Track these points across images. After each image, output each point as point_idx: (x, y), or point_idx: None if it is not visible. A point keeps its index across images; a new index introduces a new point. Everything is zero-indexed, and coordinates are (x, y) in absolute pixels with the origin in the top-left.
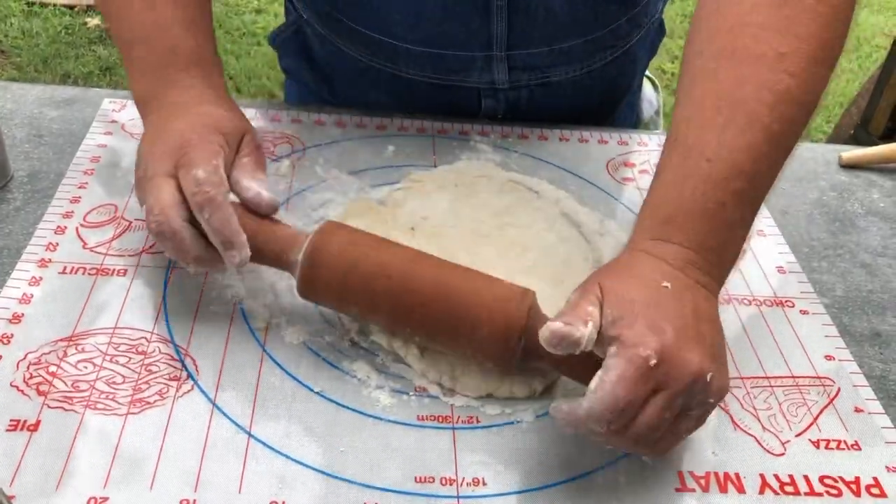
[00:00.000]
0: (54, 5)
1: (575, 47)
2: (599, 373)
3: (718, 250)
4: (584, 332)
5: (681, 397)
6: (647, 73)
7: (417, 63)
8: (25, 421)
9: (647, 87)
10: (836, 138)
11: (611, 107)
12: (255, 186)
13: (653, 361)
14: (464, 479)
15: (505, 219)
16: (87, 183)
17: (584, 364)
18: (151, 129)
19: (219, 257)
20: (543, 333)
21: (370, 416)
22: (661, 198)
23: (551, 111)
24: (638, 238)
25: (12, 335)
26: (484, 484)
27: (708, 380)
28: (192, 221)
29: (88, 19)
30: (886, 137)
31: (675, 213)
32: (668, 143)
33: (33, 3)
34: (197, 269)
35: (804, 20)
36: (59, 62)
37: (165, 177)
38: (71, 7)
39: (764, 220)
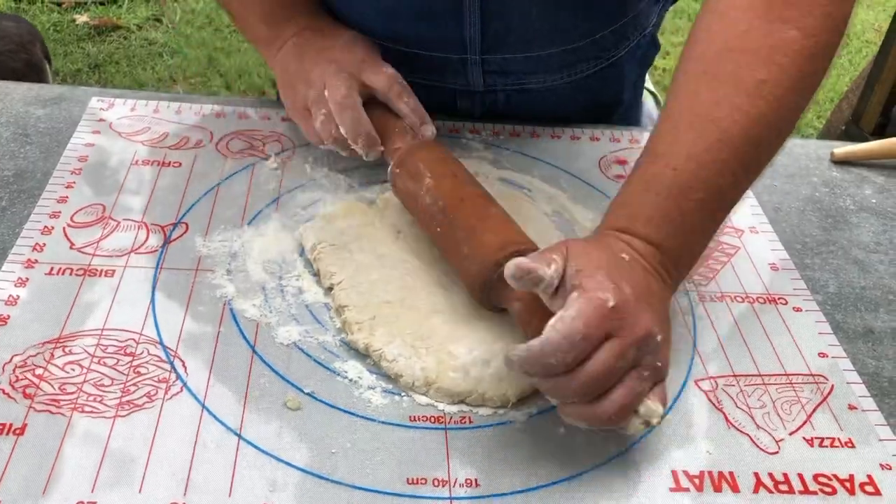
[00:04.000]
0: (42, 1)
1: (553, 56)
2: (560, 311)
3: (677, 252)
4: (548, 271)
5: (633, 348)
6: (649, 87)
7: (392, 61)
8: (11, 425)
9: (648, 101)
10: (826, 134)
11: (598, 119)
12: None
13: (611, 303)
14: (456, 479)
15: None
16: (74, 182)
17: (542, 318)
18: (296, 47)
19: (378, 139)
20: (508, 267)
21: (362, 416)
22: (628, 198)
23: (530, 117)
24: (604, 228)
25: None
26: (477, 485)
27: (658, 340)
28: None
29: (77, 16)
30: (878, 133)
31: (639, 212)
32: (644, 151)
33: (21, 0)
34: (363, 146)
35: (788, 51)
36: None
37: (348, 74)
38: (59, 3)
39: (756, 217)
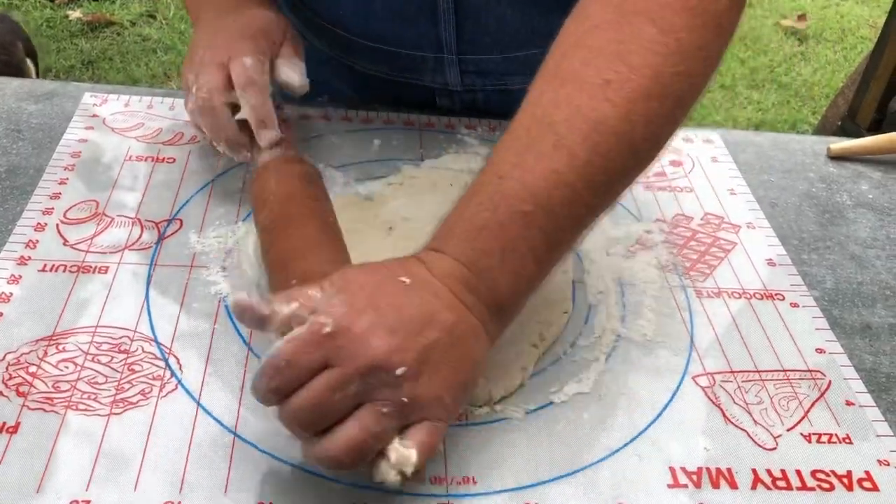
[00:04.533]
0: None
1: (532, 57)
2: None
3: (492, 273)
4: (279, 309)
5: (356, 382)
6: None
7: (370, 58)
8: (5, 423)
9: None
10: (822, 130)
11: None
12: (288, 71)
13: (327, 329)
14: (453, 478)
15: None
16: (67, 179)
17: None
18: (205, 26)
19: (245, 143)
20: (231, 304)
21: None
22: (451, 212)
23: (511, 115)
24: (423, 249)
25: None
26: (474, 482)
27: (398, 374)
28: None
29: (70, 12)
30: (874, 129)
31: (455, 225)
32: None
33: None
34: (226, 150)
35: (638, 49)
36: (39, 56)
37: (218, 65)
38: (51, 0)
39: (753, 213)
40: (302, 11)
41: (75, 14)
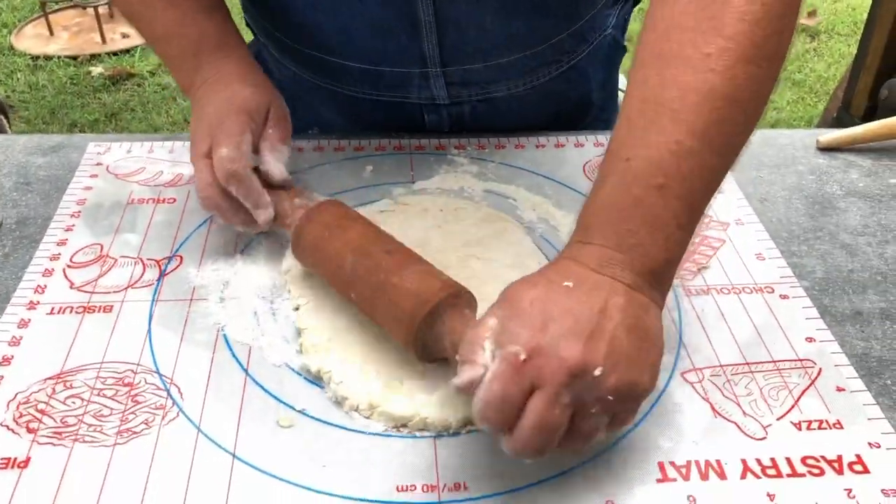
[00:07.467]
0: (58, 57)
1: (514, 62)
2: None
3: (642, 248)
4: (484, 361)
5: (564, 394)
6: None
7: (356, 80)
8: (16, 458)
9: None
10: (823, 122)
11: (571, 122)
12: (270, 160)
13: (522, 356)
14: (445, 485)
15: (472, 250)
16: (73, 225)
17: None
18: (193, 115)
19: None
20: (453, 384)
21: (352, 430)
22: (586, 205)
23: (499, 125)
24: (566, 247)
25: (2, 377)
26: (465, 488)
27: (596, 374)
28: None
29: (92, 68)
30: (868, 117)
31: (594, 214)
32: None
33: (38, 57)
34: (245, 228)
35: (730, 20)
36: (65, 112)
37: (203, 158)
38: (74, 58)
39: (741, 209)
40: (285, 42)
41: (97, 69)
